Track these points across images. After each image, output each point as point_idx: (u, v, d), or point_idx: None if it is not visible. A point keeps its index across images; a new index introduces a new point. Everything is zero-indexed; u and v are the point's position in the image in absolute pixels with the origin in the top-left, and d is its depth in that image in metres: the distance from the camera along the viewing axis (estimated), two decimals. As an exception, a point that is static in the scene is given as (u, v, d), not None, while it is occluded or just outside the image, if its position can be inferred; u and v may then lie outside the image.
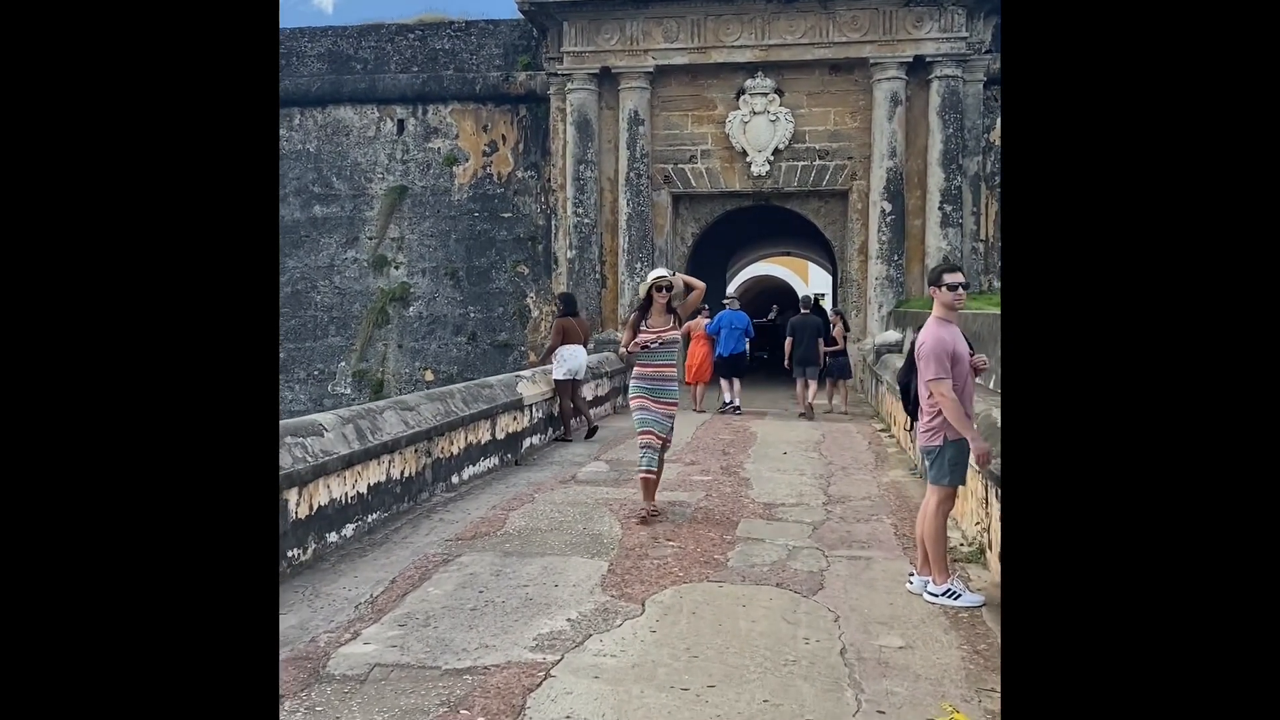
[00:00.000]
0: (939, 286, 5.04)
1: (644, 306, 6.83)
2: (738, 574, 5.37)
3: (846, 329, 14.88)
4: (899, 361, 11.94)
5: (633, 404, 6.88)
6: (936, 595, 4.94)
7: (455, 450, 7.82)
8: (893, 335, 14.06)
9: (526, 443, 9.68)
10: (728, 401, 13.89)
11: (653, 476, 6.76)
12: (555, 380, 10.50)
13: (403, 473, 6.81)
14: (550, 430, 10.51)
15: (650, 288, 6.77)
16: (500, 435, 8.88)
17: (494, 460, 8.70)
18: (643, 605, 4.79)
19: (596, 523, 6.59)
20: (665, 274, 6.87)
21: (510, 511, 6.92)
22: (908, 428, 5.24)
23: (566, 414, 10.63)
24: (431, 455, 7.35)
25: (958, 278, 5.04)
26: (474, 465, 8.23)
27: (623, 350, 7.06)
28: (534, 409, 9.91)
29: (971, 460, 5.07)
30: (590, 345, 12.06)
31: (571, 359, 10.53)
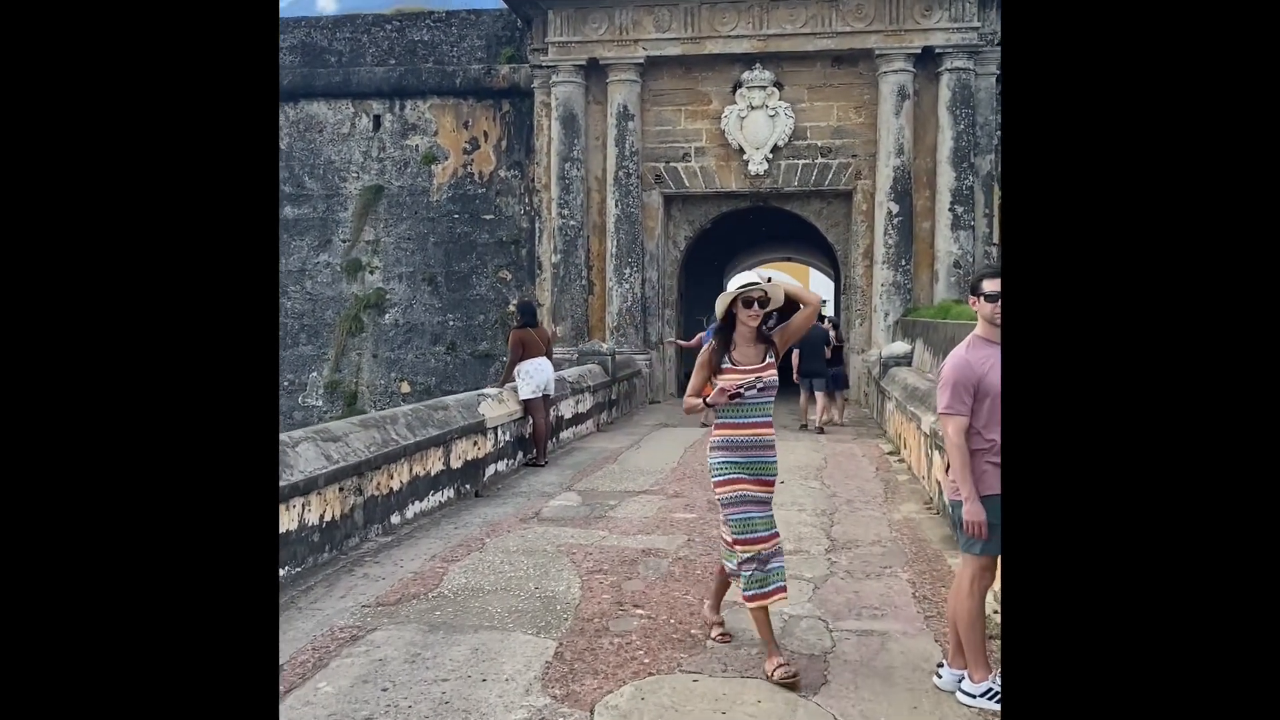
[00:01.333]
0: (978, 295, 3.92)
1: (724, 331, 4.28)
2: (719, 660, 4.25)
3: (839, 338, 13.90)
4: (909, 376, 10.82)
5: (722, 491, 4.27)
6: (974, 696, 3.82)
7: (396, 485, 6.70)
8: (901, 347, 12.94)
9: (490, 470, 8.57)
10: None
11: (777, 596, 4.18)
12: (524, 400, 9.39)
13: (322, 518, 5.70)
14: (520, 454, 9.40)
15: (734, 301, 4.19)
16: (456, 464, 7.77)
17: (448, 493, 7.58)
18: (591, 712, 3.67)
19: (553, 579, 5.47)
20: (758, 282, 4.22)
21: (452, 564, 5.80)
22: (946, 469, 4.11)
23: (540, 435, 9.52)
24: (364, 493, 6.24)
25: (999, 285, 3.91)
26: (421, 501, 7.11)
27: (695, 401, 4.40)
28: (500, 432, 8.79)
29: None
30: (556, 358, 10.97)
31: (538, 373, 9.41)
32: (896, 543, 6.48)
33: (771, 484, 4.38)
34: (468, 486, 7.99)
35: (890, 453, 10.43)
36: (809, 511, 7.41)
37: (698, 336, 14.34)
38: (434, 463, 7.33)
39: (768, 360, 4.27)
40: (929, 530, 6.82)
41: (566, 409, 11.19)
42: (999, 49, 15.26)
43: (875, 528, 6.91)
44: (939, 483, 7.49)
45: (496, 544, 6.31)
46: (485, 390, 9.07)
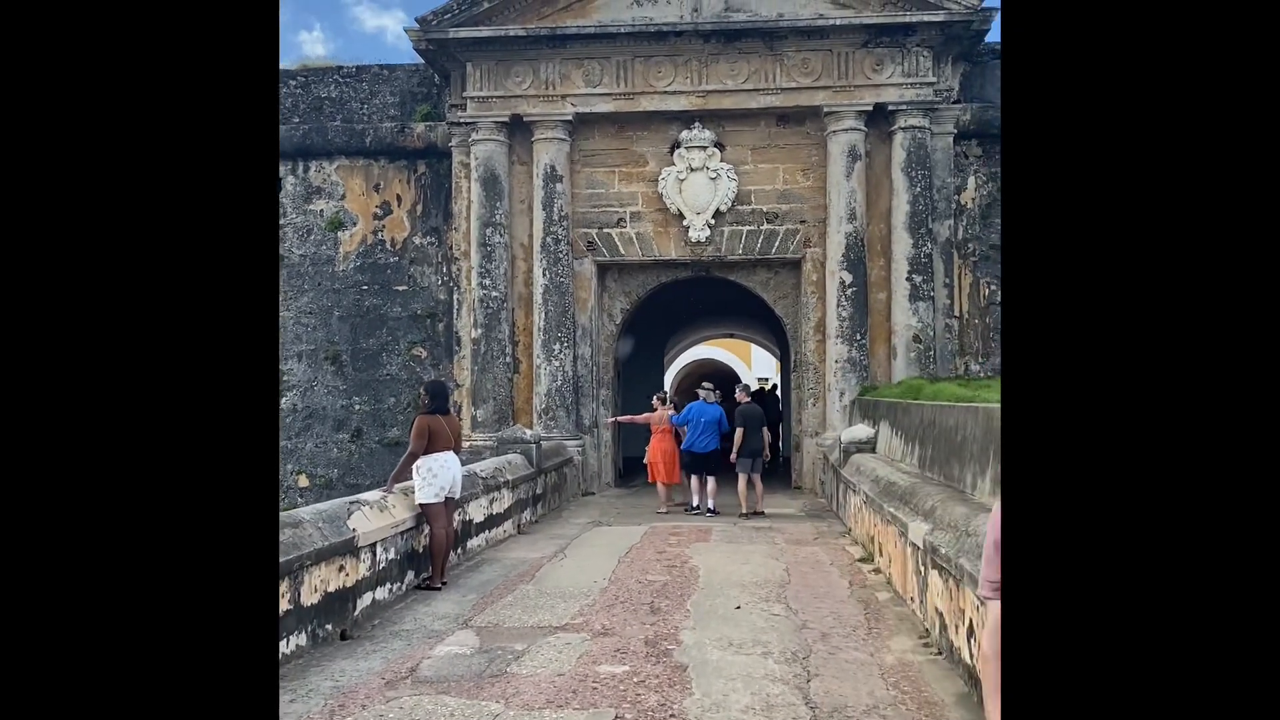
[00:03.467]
0: None
1: None
2: None
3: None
4: (879, 467, 9.25)
5: None
6: None
7: (207, 642, 4.79)
8: (863, 430, 11.42)
9: (365, 600, 6.67)
10: (695, 505, 12.30)
11: None
12: (421, 504, 7.55)
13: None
14: (411, 574, 7.52)
15: None
16: (311, 599, 5.87)
17: (297, 640, 5.67)
18: None
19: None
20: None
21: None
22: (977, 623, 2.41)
23: (439, 550, 7.64)
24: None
25: None
26: (252, 658, 5.18)
27: None
28: (380, 550, 6.92)
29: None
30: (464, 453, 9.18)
31: (443, 471, 7.61)
32: (898, 707, 4.76)
33: None
34: (329, 627, 6.08)
35: (862, 559, 8.76)
36: (776, 655, 5.65)
37: (652, 414, 12.68)
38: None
39: None
40: (936, 683, 5.12)
41: (477, 511, 9.34)
42: (956, 107, 14.23)
43: (866, 681, 5.18)
44: (937, 611, 5.83)
45: (341, 732, 4.42)
46: (363, 496, 7.20)
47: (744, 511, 11.90)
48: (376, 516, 6.93)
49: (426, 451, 7.59)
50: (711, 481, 12.38)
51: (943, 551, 5.54)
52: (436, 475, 7.57)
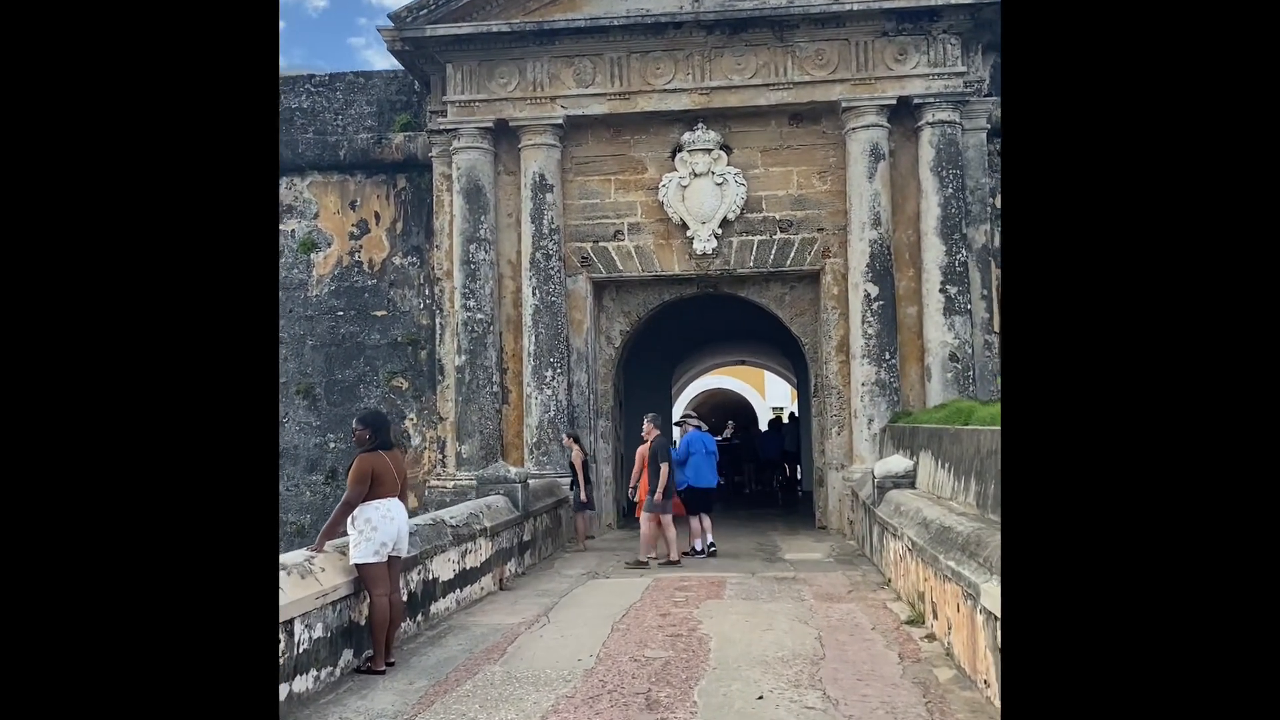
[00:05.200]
0: None
1: None
2: None
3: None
4: (926, 507, 7.72)
5: None
6: None
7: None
8: (900, 462, 9.88)
9: (295, 687, 5.15)
10: (697, 549, 10.94)
11: None
12: (358, 565, 6.03)
13: None
14: (349, 654, 6.00)
15: None
16: (186, 705, 4.35)
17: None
18: None
19: None
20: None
21: None
22: None
23: (380, 623, 6.08)
24: None
25: None
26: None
27: None
28: (300, 627, 5.41)
29: None
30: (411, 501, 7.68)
31: (384, 524, 6.09)
32: None
33: None
34: (216, 741, 4.56)
35: (909, 621, 7.18)
36: (816, 777, 4.09)
37: (645, 446, 11.13)
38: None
39: None
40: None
41: (444, 567, 7.82)
42: (988, 100, 12.82)
43: (947, 825, 3.62)
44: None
45: None
46: (284, 558, 5.70)
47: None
48: (296, 585, 5.42)
49: (368, 498, 6.09)
50: (707, 520, 11.07)
51: (1044, 632, 4.00)
52: (377, 528, 6.06)
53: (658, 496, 10.43)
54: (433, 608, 7.52)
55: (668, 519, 10.50)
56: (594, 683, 5.64)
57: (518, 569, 9.87)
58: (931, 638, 6.59)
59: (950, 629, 6.09)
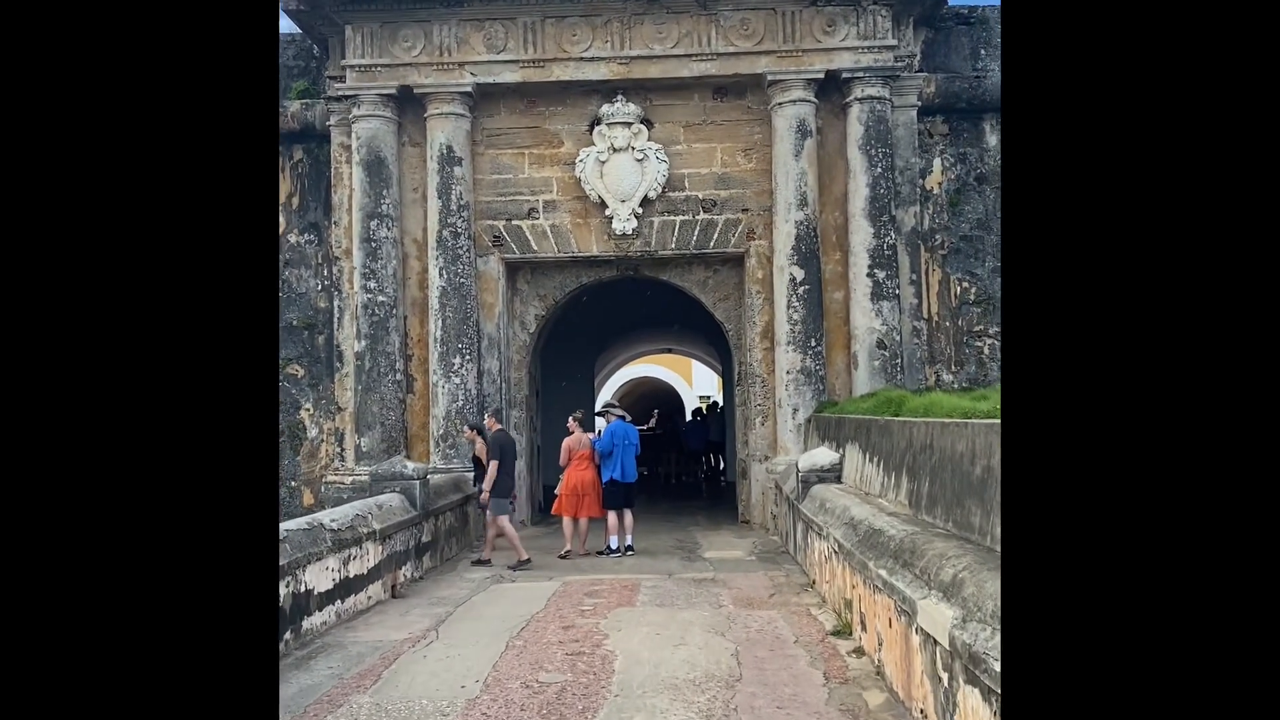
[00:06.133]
0: None
1: None
2: None
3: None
4: (855, 505, 7.12)
5: None
6: None
7: None
8: (826, 455, 9.30)
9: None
10: (613, 547, 10.30)
11: None
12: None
13: None
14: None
15: None
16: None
17: None
18: None
19: None
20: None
21: None
22: None
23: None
24: None
25: None
26: None
27: None
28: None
29: None
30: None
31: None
32: None
33: None
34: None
35: (835, 632, 6.56)
36: (723, 843, 3.40)
37: (569, 439, 10.48)
38: None
39: None
40: None
41: (321, 577, 6.95)
42: (919, 76, 12.32)
43: None
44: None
45: None
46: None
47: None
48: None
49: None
50: (629, 515, 10.41)
51: (992, 664, 3.37)
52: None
53: (485, 497, 9.87)
54: (305, 623, 6.65)
55: (503, 520, 9.80)
56: (475, 716, 4.86)
57: (414, 573, 9.02)
58: (860, 652, 5.98)
59: (881, 645, 5.48)
